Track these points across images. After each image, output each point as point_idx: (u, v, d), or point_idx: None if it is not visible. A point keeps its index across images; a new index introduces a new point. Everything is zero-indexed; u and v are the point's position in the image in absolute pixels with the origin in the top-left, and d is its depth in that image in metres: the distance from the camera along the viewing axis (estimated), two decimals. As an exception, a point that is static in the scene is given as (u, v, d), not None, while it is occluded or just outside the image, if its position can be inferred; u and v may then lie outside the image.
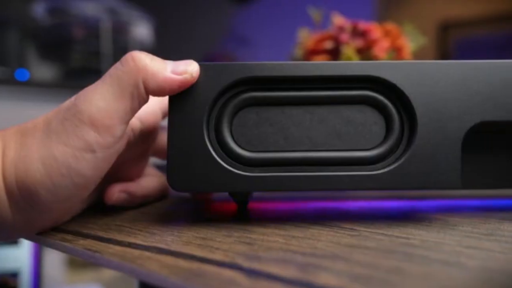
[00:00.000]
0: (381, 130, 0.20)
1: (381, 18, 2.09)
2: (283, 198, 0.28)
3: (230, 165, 0.20)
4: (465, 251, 0.16)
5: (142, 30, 1.32)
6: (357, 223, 0.20)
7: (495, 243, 0.17)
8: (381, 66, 0.20)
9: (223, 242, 0.18)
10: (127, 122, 0.19)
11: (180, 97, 0.20)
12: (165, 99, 0.22)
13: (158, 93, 0.19)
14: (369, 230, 0.19)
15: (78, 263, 1.13)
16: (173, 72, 0.19)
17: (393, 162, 0.20)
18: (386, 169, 0.20)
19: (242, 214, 0.24)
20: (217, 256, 0.16)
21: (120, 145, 0.20)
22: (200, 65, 0.20)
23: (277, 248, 0.17)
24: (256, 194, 0.29)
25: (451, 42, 2.28)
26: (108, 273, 1.12)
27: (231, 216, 0.24)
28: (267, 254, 0.16)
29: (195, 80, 0.20)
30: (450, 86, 0.20)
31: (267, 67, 0.20)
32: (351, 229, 0.20)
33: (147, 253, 0.17)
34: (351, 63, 0.20)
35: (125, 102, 0.19)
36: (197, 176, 0.20)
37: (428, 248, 0.17)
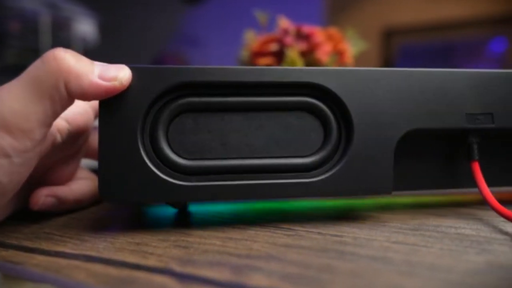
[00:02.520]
0: (319, 137, 0.20)
1: (328, 23, 2.16)
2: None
3: (166, 174, 0.19)
4: (392, 246, 0.17)
5: (85, 27, 1.26)
6: (295, 223, 0.21)
7: (420, 237, 0.18)
8: (319, 73, 0.20)
9: (158, 247, 0.17)
10: (49, 125, 0.18)
11: (112, 102, 0.19)
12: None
13: (81, 97, 0.18)
14: (305, 229, 0.20)
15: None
16: (101, 77, 0.18)
17: (329, 170, 0.20)
18: (321, 177, 0.20)
19: (182, 218, 0.23)
20: (150, 261, 0.16)
21: (42, 148, 0.18)
22: (133, 68, 0.19)
23: (213, 251, 0.17)
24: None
25: (394, 48, 2.40)
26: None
27: (170, 219, 0.23)
28: (202, 258, 0.16)
29: (125, 88, 0.18)
30: (386, 94, 0.20)
31: (204, 72, 0.19)
32: (288, 229, 0.20)
33: (75, 262, 0.16)
34: (290, 69, 0.20)
35: (44, 104, 0.17)
36: (131, 186, 0.18)
37: (359, 245, 0.17)
